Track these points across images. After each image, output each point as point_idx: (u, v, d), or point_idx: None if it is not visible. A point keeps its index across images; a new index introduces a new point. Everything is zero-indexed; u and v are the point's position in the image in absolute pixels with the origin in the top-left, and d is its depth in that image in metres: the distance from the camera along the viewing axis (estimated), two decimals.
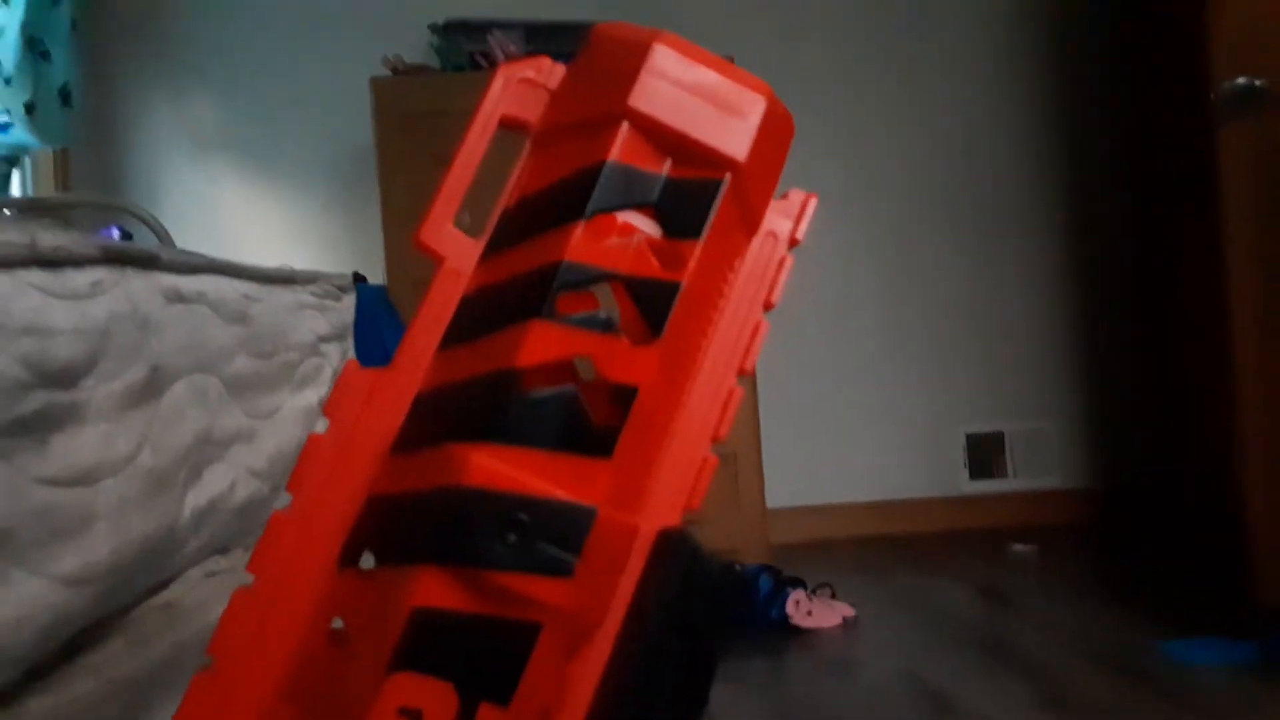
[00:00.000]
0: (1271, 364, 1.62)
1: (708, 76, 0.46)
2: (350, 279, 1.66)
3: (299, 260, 1.75)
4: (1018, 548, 2.50)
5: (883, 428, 2.87)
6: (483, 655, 0.42)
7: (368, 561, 0.49)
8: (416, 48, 2.73)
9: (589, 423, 0.43)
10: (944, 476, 2.86)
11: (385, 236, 2.46)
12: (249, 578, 0.48)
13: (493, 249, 0.49)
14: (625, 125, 0.45)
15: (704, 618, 0.47)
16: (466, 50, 2.60)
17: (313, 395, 1.40)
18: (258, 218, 2.90)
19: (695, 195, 0.45)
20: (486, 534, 0.41)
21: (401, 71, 2.59)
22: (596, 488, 0.43)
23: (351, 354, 1.61)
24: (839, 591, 1.98)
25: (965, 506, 2.83)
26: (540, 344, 0.43)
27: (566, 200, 0.45)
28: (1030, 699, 1.49)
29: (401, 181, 2.46)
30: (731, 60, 0.49)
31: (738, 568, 0.44)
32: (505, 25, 2.58)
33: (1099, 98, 2.84)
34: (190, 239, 1.92)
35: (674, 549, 0.47)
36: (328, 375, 1.47)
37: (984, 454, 2.86)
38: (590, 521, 0.42)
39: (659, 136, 0.45)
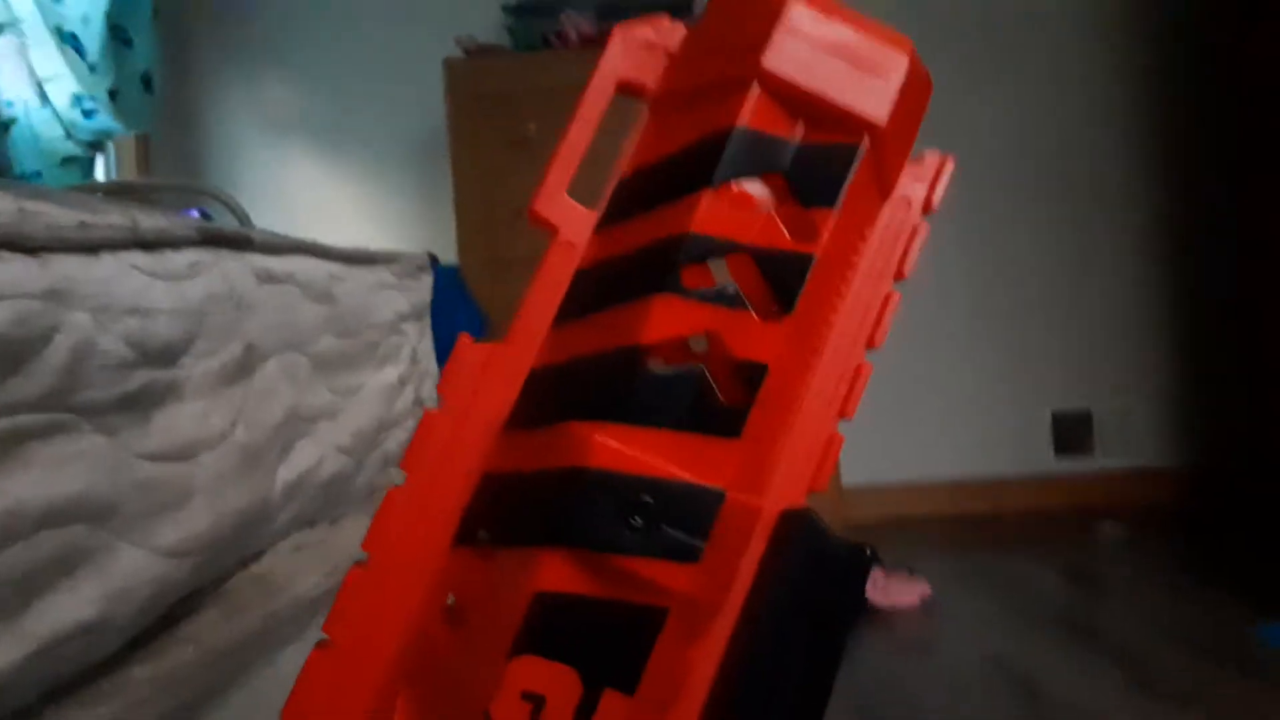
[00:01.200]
0: None
1: (846, 33, 0.43)
2: (428, 258, 1.66)
3: (372, 241, 1.76)
4: (1106, 527, 2.43)
5: (966, 405, 2.81)
6: (606, 641, 0.40)
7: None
8: (489, 28, 2.73)
9: (716, 401, 0.41)
10: (1029, 455, 2.79)
11: (457, 217, 2.46)
12: (337, 551, 0.47)
13: (609, 220, 0.47)
14: (756, 88, 0.42)
15: (829, 602, 0.45)
16: (539, 30, 2.59)
17: (393, 373, 1.41)
18: (332, 199, 2.93)
19: (830, 161, 0.42)
20: (611, 518, 0.39)
21: (474, 52, 2.58)
22: (723, 469, 0.41)
23: (429, 333, 1.62)
24: (917, 570, 1.94)
25: (1051, 485, 2.76)
26: (666, 319, 0.41)
27: (691, 168, 0.42)
28: (1118, 683, 1.45)
29: (473, 163, 2.46)
30: None
31: (868, 551, 0.42)
32: (577, 4, 2.56)
33: (1193, 72, 2.73)
34: (267, 220, 1.94)
35: (798, 531, 0.45)
36: (407, 353, 1.48)
37: (1071, 432, 2.78)
38: (718, 505, 0.40)
39: (792, 99, 0.42)
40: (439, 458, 0.45)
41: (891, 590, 1.83)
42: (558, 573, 0.40)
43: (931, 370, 2.79)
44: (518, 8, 2.64)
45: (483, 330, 2.02)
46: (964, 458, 2.78)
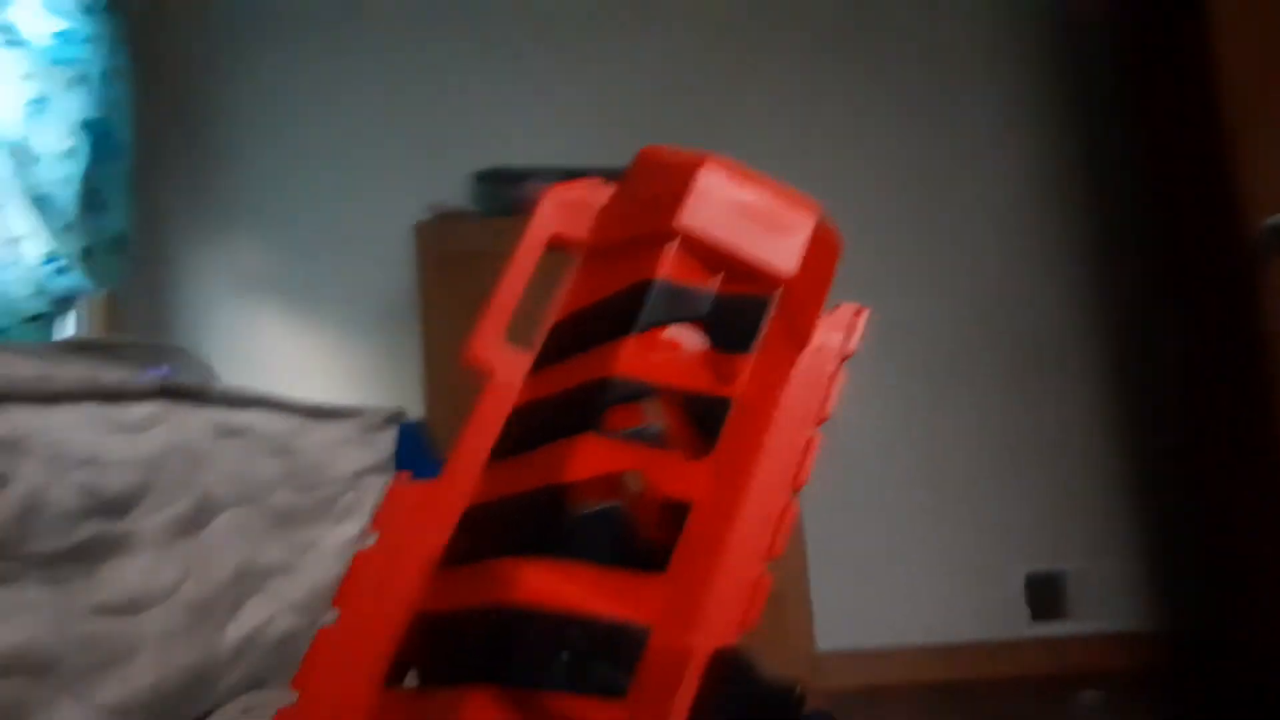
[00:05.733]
0: None
1: (755, 196, 0.47)
2: (394, 412, 1.67)
3: (340, 401, 1.77)
4: (1086, 696, 2.38)
5: (939, 567, 2.78)
6: None
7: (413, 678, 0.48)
8: (459, 195, 2.83)
9: (641, 538, 0.43)
10: (1005, 618, 2.75)
11: (425, 375, 2.49)
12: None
13: (542, 363, 0.49)
14: (674, 243, 0.46)
15: None
16: (507, 196, 2.69)
17: (351, 529, 1.39)
18: (300, 360, 2.96)
19: (744, 310, 0.46)
20: (538, 654, 0.40)
21: (443, 215, 2.67)
22: (650, 605, 0.42)
23: None
24: None
25: (1027, 650, 2.71)
26: (589, 458, 0.43)
27: (616, 316, 0.45)
28: None
29: (442, 322, 2.51)
30: None
31: (797, 689, 0.41)
32: (544, 172, 2.67)
33: (1138, 235, 2.85)
34: (233, 380, 1.95)
35: (729, 670, 0.45)
36: (367, 509, 1.47)
37: (1046, 595, 2.75)
38: (644, 640, 0.41)
39: (707, 254, 0.46)
40: (370, 597, 0.46)
41: None
42: (486, 711, 0.40)
43: (903, 534, 2.78)
44: (487, 175, 2.75)
45: None
46: (940, 622, 2.74)
